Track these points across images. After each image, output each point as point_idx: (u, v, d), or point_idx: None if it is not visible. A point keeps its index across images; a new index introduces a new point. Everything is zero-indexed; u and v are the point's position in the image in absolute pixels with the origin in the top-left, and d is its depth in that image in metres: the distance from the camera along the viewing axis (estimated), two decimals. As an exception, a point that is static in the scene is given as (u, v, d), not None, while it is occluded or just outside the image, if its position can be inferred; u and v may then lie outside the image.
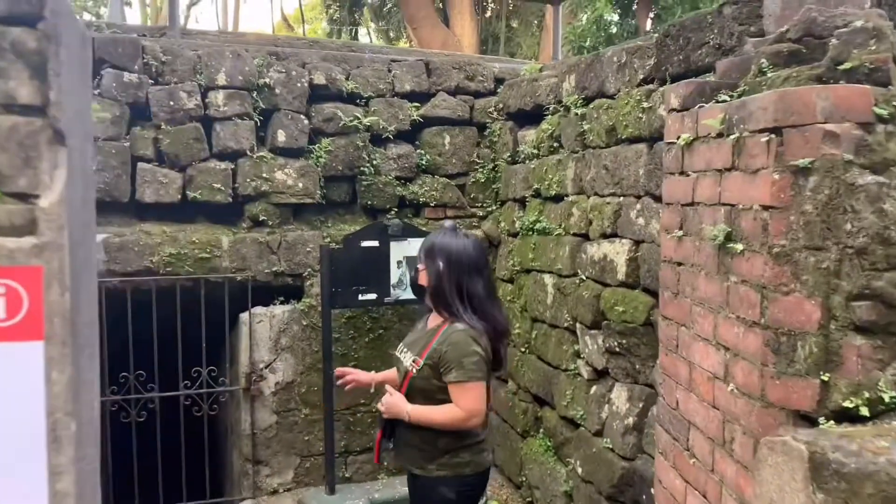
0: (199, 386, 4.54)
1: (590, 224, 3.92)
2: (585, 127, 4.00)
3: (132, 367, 4.39)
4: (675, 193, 2.28)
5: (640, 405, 3.41)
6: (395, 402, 2.77)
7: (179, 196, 4.57)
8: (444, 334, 2.72)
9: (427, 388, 2.72)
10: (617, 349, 3.57)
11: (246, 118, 4.65)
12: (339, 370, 3.23)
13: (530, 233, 4.60)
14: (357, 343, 4.87)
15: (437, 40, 12.34)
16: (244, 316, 4.67)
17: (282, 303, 4.79)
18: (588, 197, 3.99)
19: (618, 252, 3.60)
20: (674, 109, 2.23)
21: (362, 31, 19.02)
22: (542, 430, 4.44)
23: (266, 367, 4.72)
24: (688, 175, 2.18)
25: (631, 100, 3.54)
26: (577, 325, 3.97)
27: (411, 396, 2.76)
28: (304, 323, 4.77)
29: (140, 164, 4.48)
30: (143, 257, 4.42)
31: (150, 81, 4.49)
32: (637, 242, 3.47)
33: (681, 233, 2.22)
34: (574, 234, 4.10)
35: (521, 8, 16.63)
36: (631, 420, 3.44)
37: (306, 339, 4.78)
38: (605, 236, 3.76)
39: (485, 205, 5.28)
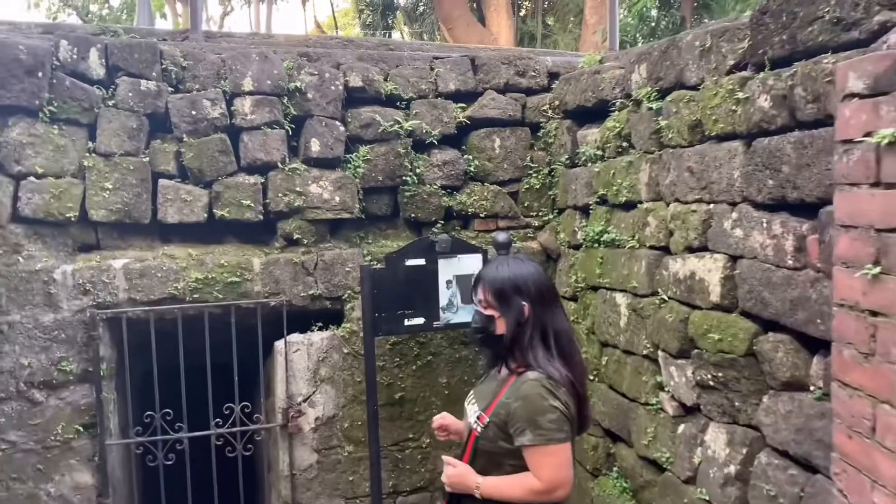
0: (231, 424, 4.14)
1: (670, 235, 3.42)
2: (662, 123, 3.49)
3: (158, 405, 4.01)
4: (862, 212, 1.74)
5: (744, 451, 2.89)
6: (460, 476, 2.30)
7: (205, 215, 4.18)
8: (514, 386, 2.27)
9: (494, 451, 2.28)
10: (711, 383, 3.06)
11: (276, 126, 4.25)
12: (436, 421, 2.67)
13: (596, 245, 4.10)
14: (403, 371, 4.43)
15: (474, 40, 11.88)
16: (279, 344, 4.26)
17: (320, 329, 4.38)
18: (667, 204, 3.48)
19: (709, 269, 3.08)
20: (854, 95, 1.69)
21: (395, 34, 18.67)
22: (616, 470, 3.93)
23: (304, 401, 4.30)
24: (890, 187, 1.65)
25: (720, 90, 3.02)
26: (659, 352, 3.47)
27: (477, 462, 2.31)
28: (345, 351, 4.34)
29: (161, 181, 4.11)
30: (166, 283, 4.05)
31: (170, 89, 4.13)
32: (734, 258, 2.95)
33: (875, 269, 1.69)
34: (651, 247, 3.60)
35: (558, 4, 16.09)
36: (732, 469, 2.92)
37: (348, 368, 4.35)
38: (690, 250, 3.25)
39: (540, 213, 4.80)
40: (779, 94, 2.66)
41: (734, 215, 2.94)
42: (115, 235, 4.13)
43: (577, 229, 4.38)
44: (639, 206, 3.73)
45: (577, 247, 4.40)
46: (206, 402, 4.06)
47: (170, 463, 4.06)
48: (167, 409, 4.01)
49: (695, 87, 3.30)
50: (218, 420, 4.11)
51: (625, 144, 3.91)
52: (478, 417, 2.31)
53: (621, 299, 3.84)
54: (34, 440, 3.85)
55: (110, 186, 3.96)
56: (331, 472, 4.36)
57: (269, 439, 4.47)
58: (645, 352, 3.60)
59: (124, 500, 4.34)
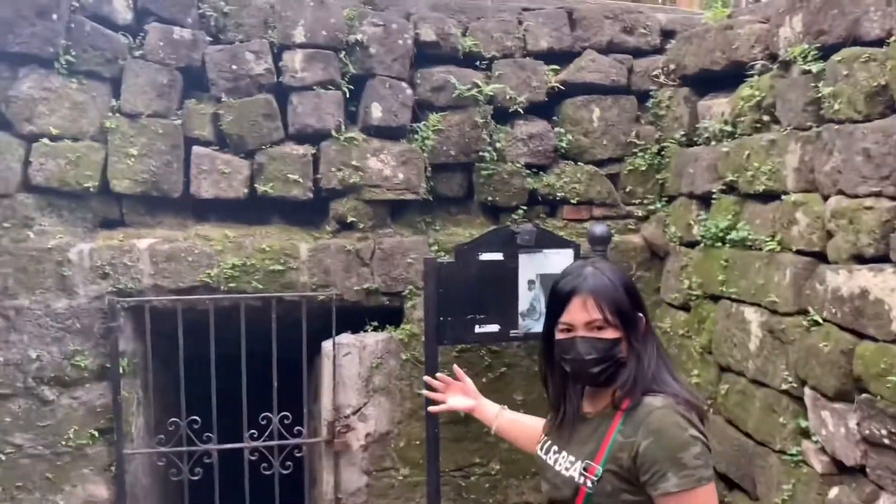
0: (268, 437, 3.63)
1: (829, 238, 2.70)
2: (823, 91, 2.75)
3: (183, 411, 3.53)
4: None
5: (937, 541, 2.16)
6: None
7: (245, 190, 3.68)
8: (630, 420, 1.80)
9: None
10: (886, 441, 2.35)
11: (331, 87, 3.70)
12: (438, 376, 2.50)
13: (719, 243, 3.39)
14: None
15: None
16: (327, 346, 3.74)
17: (375, 329, 3.85)
18: (825, 197, 2.76)
19: (892, 289, 2.34)
20: None
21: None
22: (732, 526, 3.24)
23: (354, 414, 3.78)
24: None
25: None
26: (806, 389, 2.77)
27: None
28: (404, 357, 3.79)
29: (195, 149, 3.63)
30: (198, 269, 3.57)
31: (208, 39, 3.64)
32: (933, 276, 2.21)
33: None
34: (799, 252, 2.88)
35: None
36: (917, 563, 2.20)
37: (406, 377, 3.80)
38: (861, 260, 2.54)
39: (645, 202, 4.11)
40: None
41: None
42: (142, 210, 3.66)
43: (692, 223, 3.66)
44: (783, 197, 3.01)
45: (692, 244, 3.68)
46: (240, 412, 3.55)
47: (196, 478, 3.59)
48: (194, 417, 3.53)
49: (876, 43, 2.59)
50: (253, 431, 3.62)
51: (765, 118, 3.18)
52: (585, 468, 1.84)
53: (752, 315, 3.12)
54: (43, 444, 3.47)
55: (136, 153, 3.48)
56: (382, 497, 3.84)
57: (312, 456, 3.95)
58: (784, 386, 2.90)
59: (150, 517, 3.91)
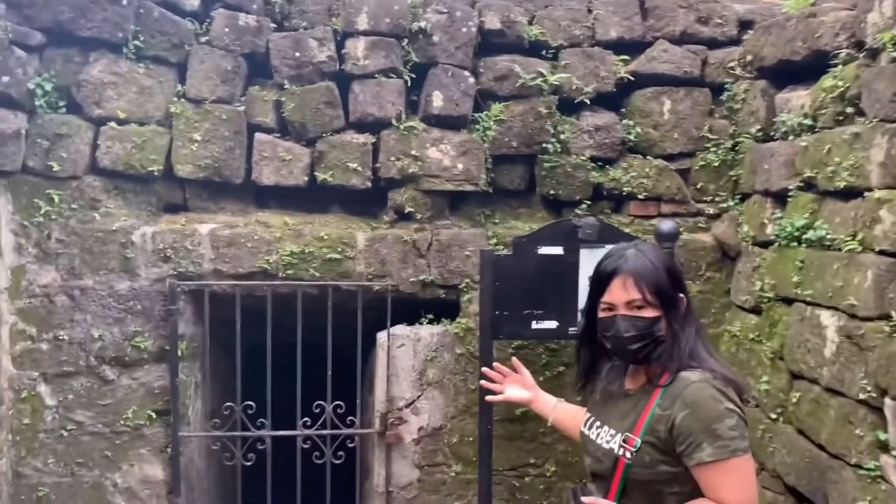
0: (321, 425, 3.62)
1: (916, 238, 2.49)
2: (916, 79, 2.54)
3: (239, 396, 3.56)
4: None
5: None
6: None
7: (305, 178, 3.67)
8: (668, 393, 1.92)
9: (653, 480, 1.93)
10: (975, 458, 2.14)
11: (392, 75, 3.65)
12: (496, 366, 2.66)
13: (795, 243, 3.20)
14: (528, 382, 3.73)
15: None
16: (381, 337, 3.70)
17: (430, 322, 3.78)
18: (914, 194, 2.55)
19: None
20: None
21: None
22: (800, 543, 3.06)
23: (407, 407, 3.73)
24: None
25: None
26: (887, 400, 2.57)
27: (632, 497, 1.95)
28: (459, 351, 3.71)
29: (257, 135, 3.64)
30: (257, 255, 3.58)
31: (273, 26, 3.64)
32: None
33: None
34: (883, 253, 2.67)
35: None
36: None
37: (460, 372, 3.73)
38: (952, 261, 2.32)
39: (717, 199, 3.91)
40: None
41: None
42: (205, 196, 3.70)
43: (767, 221, 3.47)
44: (866, 194, 2.80)
45: (765, 244, 3.49)
46: (294, 399, 3.55)
47: (249, 463, 3.61)
48: (249, 402, 3.55)
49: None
50: (306, 420, 3.61)
51: (849, 110, 2.98)
52: (624, 440, 1.96)
53: (829, 319, 2.93)
54: (103, 423, 3.55)
55: (199, 138, 3.52)
56: (433, 493, 3.77)
57: (366, 447, 3.92)
58: (862, 395, 2.70)
59: (204, 501, 3.95)
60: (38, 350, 3.44)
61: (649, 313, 1.95)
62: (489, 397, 2.65)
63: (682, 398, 1.87)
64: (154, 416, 3.54)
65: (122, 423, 3.52)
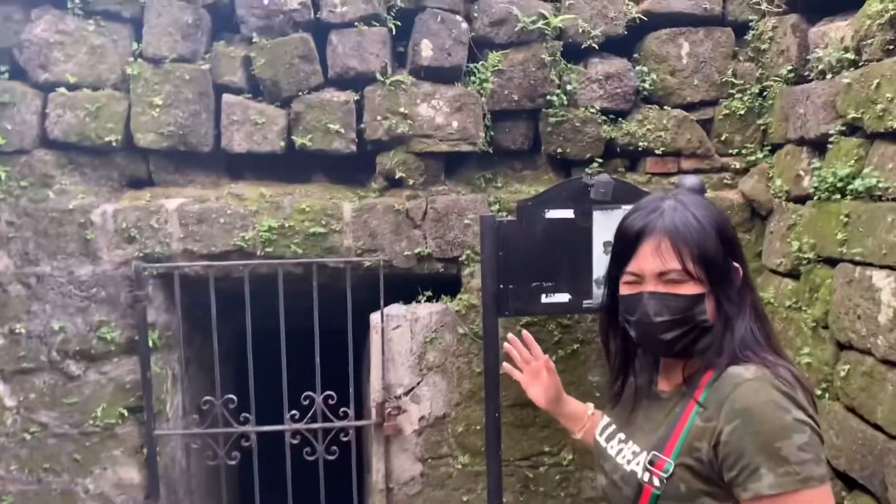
0: (311, 419, 3.33)
1: None
2: (985, -8, 2.17)
3: (219, 389, 3.26)
4: None
5: None
6: None
7: (282, 143, 3.36)
8: (710, 395, 1.44)
9: None
10: None
11: (375, 23, 3.33)
12: (510, 337, 2.12)
13: (838, 195, 2.86)
14: (539, 363, 3.42)
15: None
16: (375, 318, 3.40)
17: (429, 300, 3.50)
18: None
19: None
20: None
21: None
22: (853, 535, 2.74)
23: (406, 394, 3.44)
24: None
25: None
26: (959, 373, 2.22)
27: None
28: (461, 331, 3.42)
29: (226, 97, 3.33)
30: (232, 232, 3.30)
31: (238, -31, 3.29)
32: None
33: None
34: (949, 201, 2.32)
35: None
36: None
37: (464, 354, 3.44)
38: None
39: (744, 151, 3.59)
40: None
41: None
42: (171, 168, 3.39)
43: (803, 173, 3.12)
44: (926, 133, 2.45)
45: (802, 199, 3.14)
46: (280, 391, 3.27)
47: (233, 462, 3.32)
48: (230, 396, 3.25)
49: None
50: (294, 413, 3.32)
51: (900, 38, 2.61)
52: (651, 462, 1.49)
53: (883, 281, 2.59)
54: (70, 423, 3.29)
55: (160, 102, 3.20)
56: (439, 488, 3.51)
57: (365, 440, 3.63)
58: (926, 368, 2.35)
59: (188, 503, 3.67)
60: (-7, 346, 3.17)
61: (690, 289, 1.48)
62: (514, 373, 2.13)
63: (731, 402, 1.41)
64: (126, 413, 3.28)
65: (91, 422, 3.26)
